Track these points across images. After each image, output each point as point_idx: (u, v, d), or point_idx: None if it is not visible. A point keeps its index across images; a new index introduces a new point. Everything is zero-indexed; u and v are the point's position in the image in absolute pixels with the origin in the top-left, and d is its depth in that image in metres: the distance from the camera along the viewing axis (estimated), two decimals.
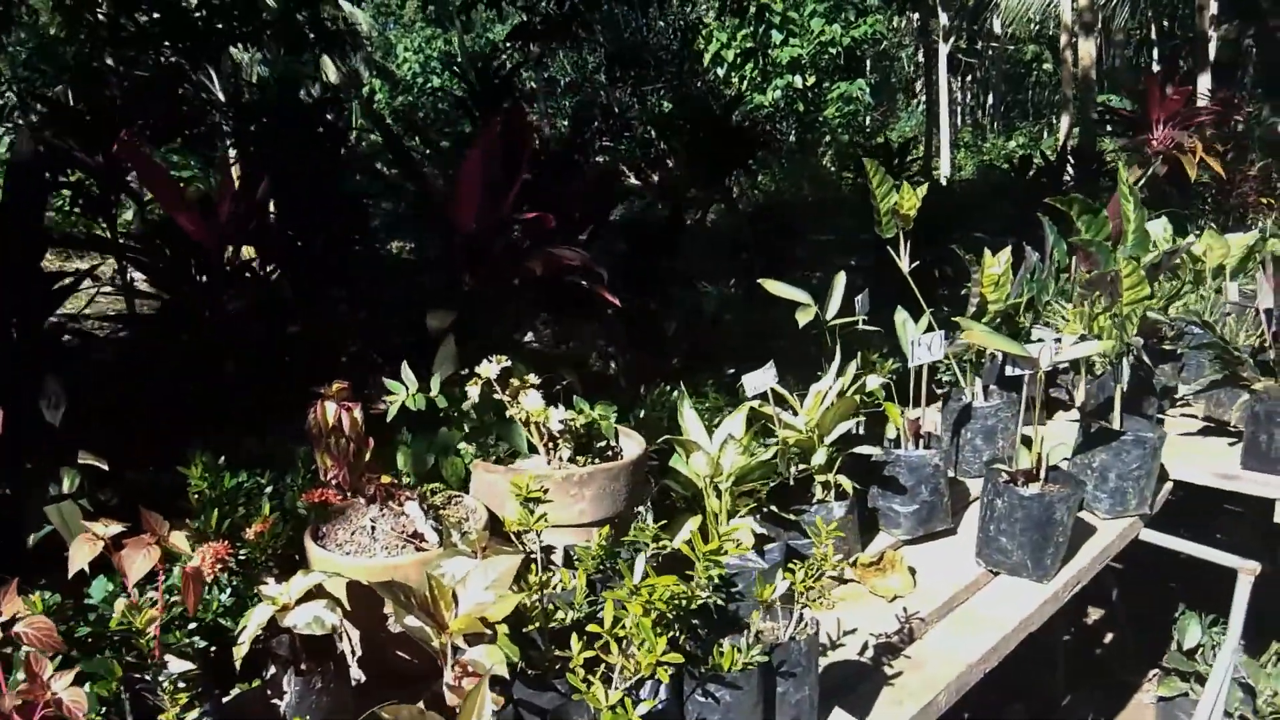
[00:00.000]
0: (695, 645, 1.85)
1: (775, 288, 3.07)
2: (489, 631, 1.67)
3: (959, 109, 26.27)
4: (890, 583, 2.70)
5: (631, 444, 2.42)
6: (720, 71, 18.19)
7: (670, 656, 1.55)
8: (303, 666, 1.79)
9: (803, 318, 2.91)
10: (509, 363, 2.18)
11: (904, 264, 3.25)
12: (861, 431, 3.19)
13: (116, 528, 1.77)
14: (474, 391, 2.17)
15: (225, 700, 1.80)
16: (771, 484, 2.83)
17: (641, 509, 2.34)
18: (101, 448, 2.64)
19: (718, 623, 1.97)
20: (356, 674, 1.96)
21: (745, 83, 18.47)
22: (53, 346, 2.51)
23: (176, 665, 1.79)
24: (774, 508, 2.61)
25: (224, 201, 3.01)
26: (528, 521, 1.79)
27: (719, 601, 1.87)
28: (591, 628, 1.63)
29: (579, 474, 2.12)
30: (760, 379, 2.71)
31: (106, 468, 2.37)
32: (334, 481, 2.05)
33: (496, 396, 2.21)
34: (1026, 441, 2.75)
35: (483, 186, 3.33)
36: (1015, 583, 2.69)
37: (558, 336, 3.71)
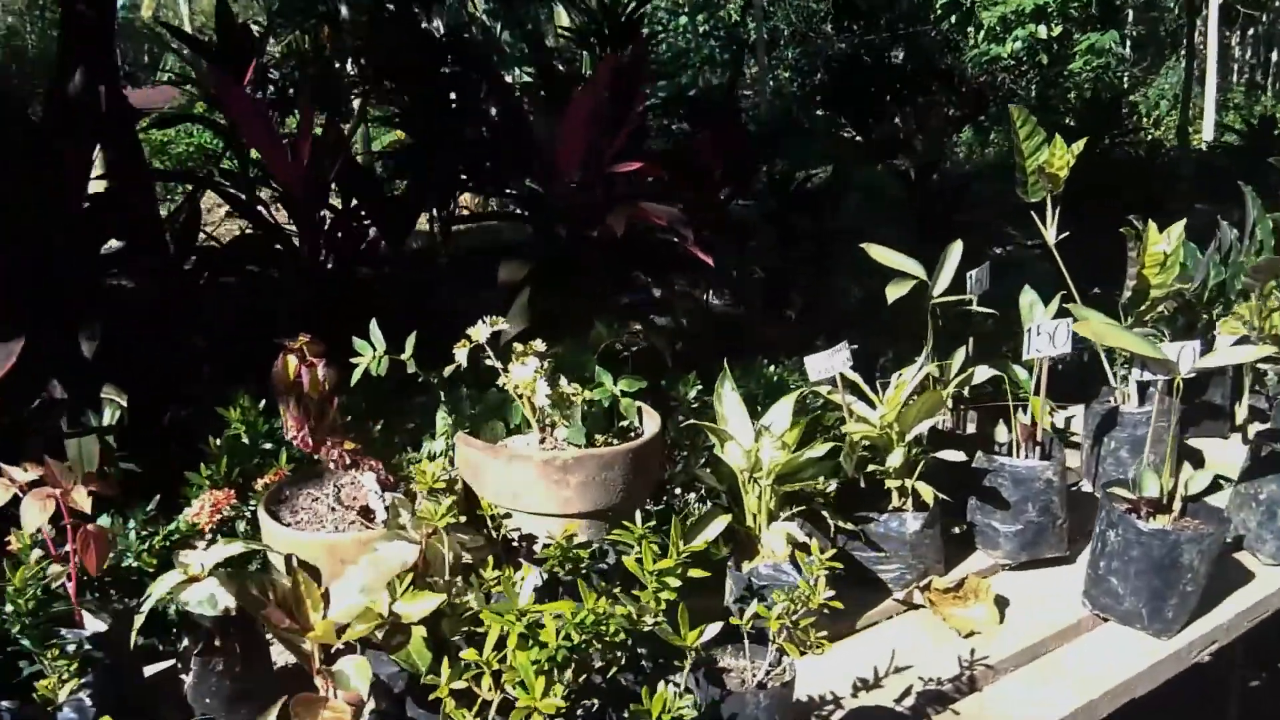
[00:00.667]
0: (636, 680, 1.55)
1: (879, 253, 2.64)
2: (380, 635, 1.45)
3: (1235, 66, 23.34)
4: (970, 614, 2.27)
5: (651, 425, 2.12)
6: (954, 19, 16.95)
7: (546, 703, 1.27)
8: (208, 645, 1.63)
9: (893, 292, 2.48)
10: (505, 325, 1.93)
11: (1049, 234, 2.73)
12: (968, 430, 2.73)
13: (34, 474, 1.66)
14: (461, 355, 1.93)
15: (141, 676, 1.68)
16: (835, 485, 2.46)
17: (652, 502, 2.04)
18: (147, 383, 2.62)
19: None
20: (288, 658, 1.80)
21: (982, 32, 17.13)
22: (92, 280, 2.48)
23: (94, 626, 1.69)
24: (826, 514, 2.24)
25: (304, 143, 2.91)
26: (432, 515, 1.54)
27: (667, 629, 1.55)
28: (467, 654, 1.37)
29: (562, 458, 1.84)
30: (826, 362, 2.32)
31: (124, 402, 2.31)
32: (295, 442, 1.88)
33: (489, 363, 1.96)
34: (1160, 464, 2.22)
35: (588, 132, 3.08)
36: (1126, 634, 2.19)
37: (660, 300, 3.42)
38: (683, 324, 3.18)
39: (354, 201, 3.11)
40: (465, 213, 6.20)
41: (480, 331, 1.90)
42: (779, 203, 4.70)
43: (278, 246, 2.90)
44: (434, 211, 3.70)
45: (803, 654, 1.65)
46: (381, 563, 1.43)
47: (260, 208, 3.19)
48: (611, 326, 3.09)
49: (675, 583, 1.51)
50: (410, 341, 2.02)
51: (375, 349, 2.00)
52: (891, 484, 2.32)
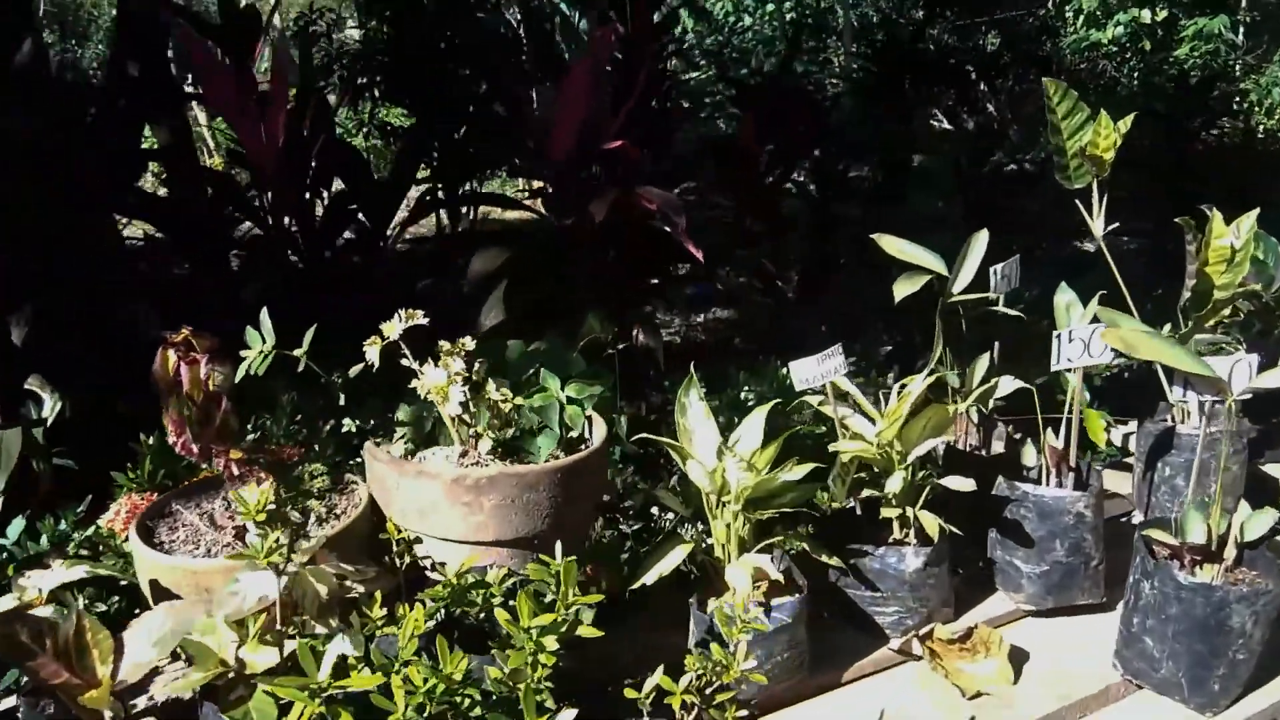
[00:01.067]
0: None
1: (891, 245, 2.31)
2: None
3: None
4: (979, 671, 1.93)
5: (598, 438, 1.84)
6: (1053, 4, 16.13)
7: None
8: (35, 680, 1.41)
9: (903, 289, 2.14)
10: (425, 319, 1.67)
11: (1097, 226, 2.36)
12: (994, 450, 2.37)
13: None
14: (373, 353, 1.67)
15: None
16: (824, 512, 2.14)
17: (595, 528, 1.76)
18: (99, 376, 2.44)
19: None
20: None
21: (1082, 17, 16.27)
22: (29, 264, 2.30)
23: None
24: (807, 547, 1.92)
25: (276, 113, 2.69)
26: (261, 549, 1.28)
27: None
28: None
29: (474, 477, 1.58)
30: (816, 368, 2.00)
31: (46, 396, 2.13)
32: (176, 448, 1.65)
33: (406, 363, 1.70)
34: (1206, 504, 1.85)
35: (584, 109, 2.80)
36: (1162, 706, 1.83)
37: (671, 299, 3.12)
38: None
39: (336, 182, 2.89)
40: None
41: (393, 327, 1.64)
42: (820, 190, 4.35)
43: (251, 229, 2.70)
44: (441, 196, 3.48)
45: None
46: (174, 615, 1.18)
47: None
48: (603, 321, 2.82)
49: (552, 644, 1.23)
50: (308, 337, 1.77)
51: (264, 341, 1.75)
52: (889, 512, 1.99)
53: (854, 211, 4.51)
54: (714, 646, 1.38)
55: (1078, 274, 2.45)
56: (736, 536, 1.87)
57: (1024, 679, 1.93)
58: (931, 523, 1.96)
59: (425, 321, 1.65)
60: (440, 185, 3.38)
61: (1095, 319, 2.11)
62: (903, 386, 2.01)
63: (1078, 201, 2.39)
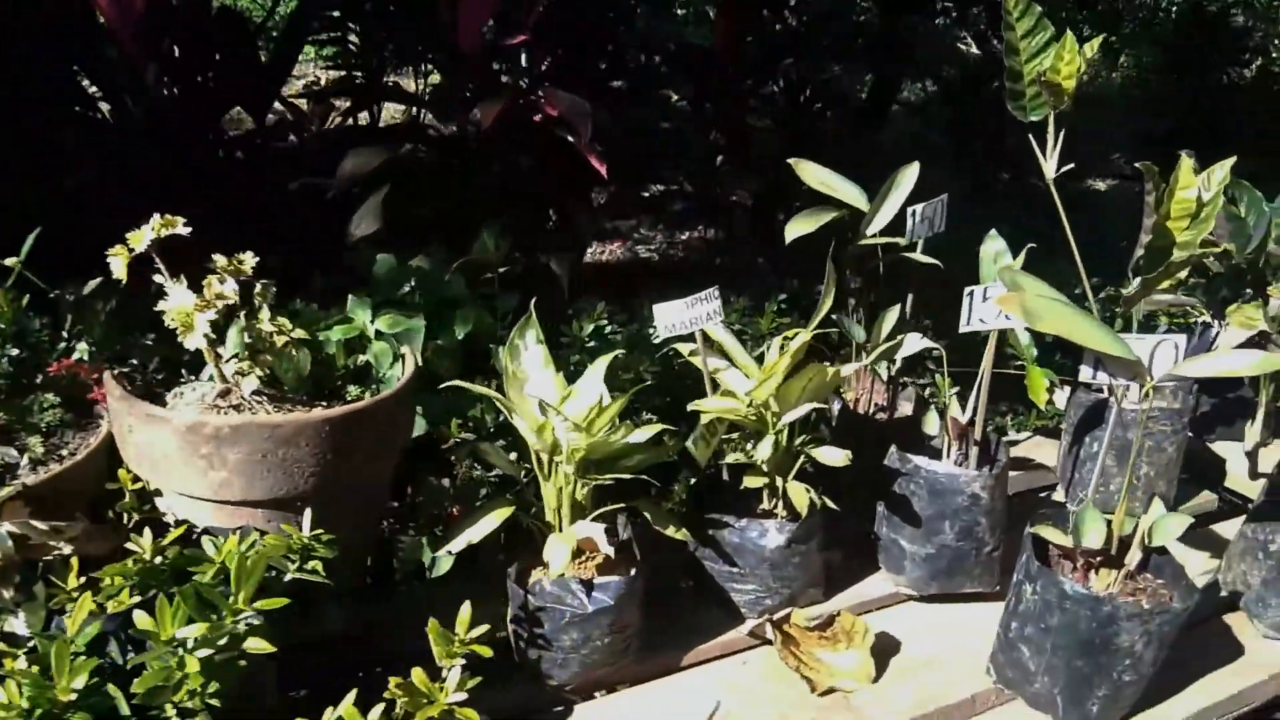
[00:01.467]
0: None
1: (811, 173, 2.01)
2: None
3: None
4: (837, 663, 1.71)
5: (403, 379, 1.58)
6: None
7: None
8: None
9: (796, 229, 1.85)
10: (184, 228, 1.40)
11: (1049, 166, 2.04)
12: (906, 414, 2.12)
13: None
14: (117, 265, 1.40)
15: None
16: (691, 478, 1.91)
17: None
18: None
19: None
20: None
21: None
22: None
23: None
24: (649, 515, 1.69)
25: None
26: None
27: None
28: None
29: (213, 425, 1.33)
30: (681, 313, 1.74)
31: None
32: None
33: (160, 280, 1.43)
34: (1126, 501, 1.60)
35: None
36: None
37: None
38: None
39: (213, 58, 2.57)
40: None
41: (140, 236, 1.38)
42: (790, 105, 4.00)
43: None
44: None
45: None
46: None
47: None
48: (498, 239, 2.54)
49: (194, 665, 0.99)
50: (27, 243, 1.50)
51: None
52: (753, 481, 1.75)
53: (835, 129, 4.16)
54: (416, 673, 1.14)
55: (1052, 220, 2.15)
56: (569, 501, 1.63)
57: (887, 676, 1.71)
58: (800, 495, 1.72)
59: (185, 231, 1.38)
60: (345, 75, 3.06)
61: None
62: (787, 340, 1.74)
63: (1031, 138, 2.07)
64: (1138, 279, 1.97)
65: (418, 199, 2.46)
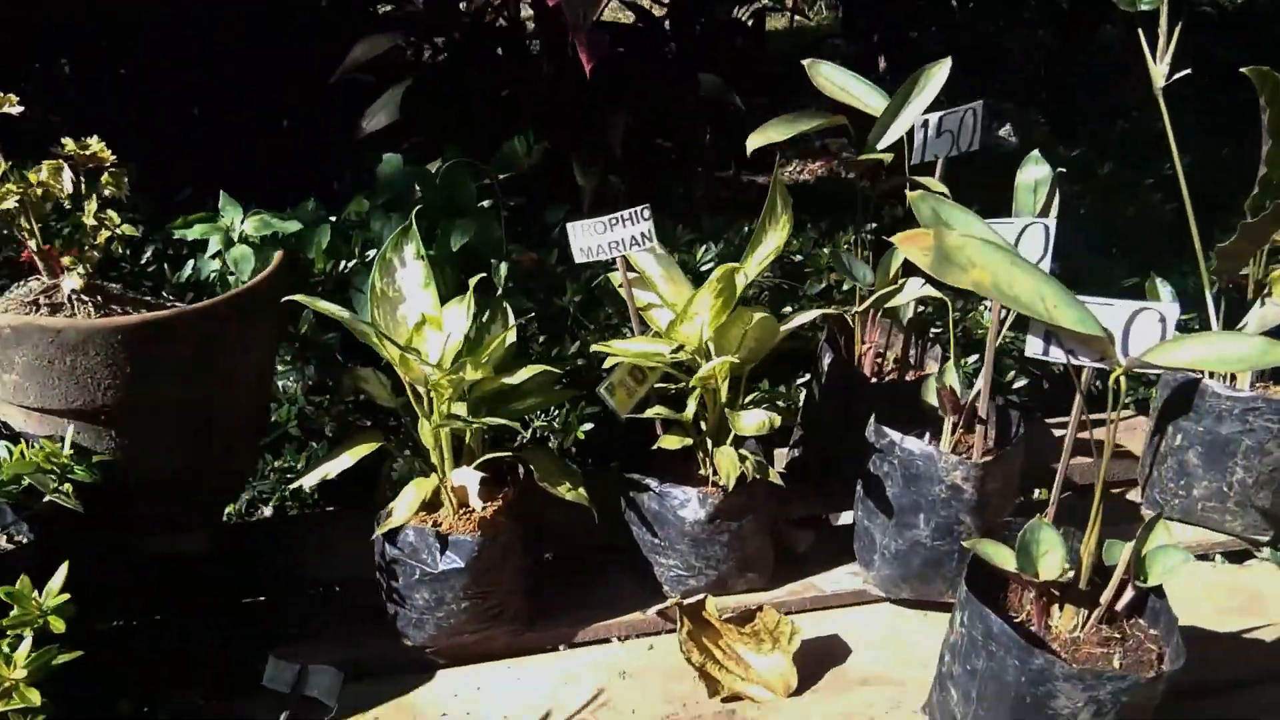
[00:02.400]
0: None
1: (826, 76, 1.64)
2: None
3: None
4: (756, 664, 1.43)
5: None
6: None
7: None
8: None
9: (766, 135, 1.49)
10: (17, 108, 1.29)
11: (1158, 71, 1.56)
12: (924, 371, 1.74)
13: None
14: None
15: None
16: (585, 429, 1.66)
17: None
18: None
19: None
20: None
21: None
22: None
23: None
24: (534, 469, 1.45)
25: None
26: None
27: None
28: None
29: None
30: (597, 235, 1.46)
31: None
32: None
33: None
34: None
35: None
36: None
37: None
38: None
39: None
40: None
41: None
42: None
43: None
44: None
45: None
46: None
47: None
48: (529, 148, 2.32)
49: None
50: None
51: None
52: (671, 442, 1.46)
53: None
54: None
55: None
56: (448, 443, 1.43)
57: (812, 690, 1.41)
58: (727, 464, 1.42)
59: (15, 111, 1.27)
60: None
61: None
62: (722, 269, 1.42)
63: (1140, 33, 1.59)
64: (1244, 229, 1.48)
65: (445, 97, 2.27)
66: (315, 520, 1.72)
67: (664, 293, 1.46)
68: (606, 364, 1.42)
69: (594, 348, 1.43)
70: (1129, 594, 1.17)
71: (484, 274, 1.44)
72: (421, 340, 1.35)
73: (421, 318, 1.33)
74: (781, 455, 1.82)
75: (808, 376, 1.88)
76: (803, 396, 1.79)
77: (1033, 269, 1.03)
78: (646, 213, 1.43)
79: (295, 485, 1.47)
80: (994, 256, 1.02)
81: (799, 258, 2.14)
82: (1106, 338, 1.02)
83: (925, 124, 1.49)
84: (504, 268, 2.05)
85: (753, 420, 1.38)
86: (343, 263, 1.96)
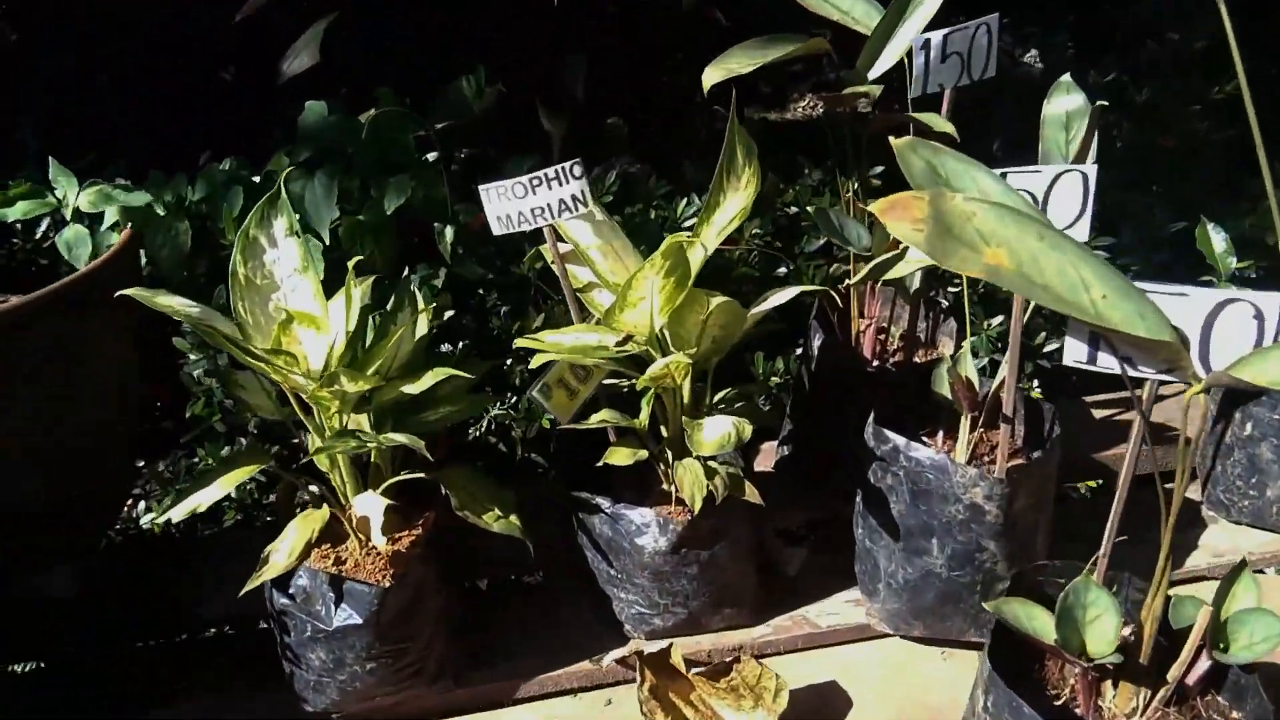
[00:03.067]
0: None
1: None
2: None
3: None
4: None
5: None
6: None
7: None
8: None
9: (726, 67, 1.17)
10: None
11: None
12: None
13: None
14: None
15: None
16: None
17: None
18: None
19: None
20: None
21: None
22: None
23: None
24: (452, 491, 1.17)
25: None
26: None
27: None
28: None
29: None
30: (515, 200, 1.16)
31: None
32: None
33: None
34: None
35: None
36: None
37: None
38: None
39: None
40: None
41: None
42: None
43: None
44: None
45: None
46: None
47: None
48: (479, 89, 2.00)
49: None
50: None
51: None
52: (615, 456, 1.18)
53: None
54: None
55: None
56: (346, 464, 1.16)
57: None
58: (691, 482, 1.14)
59: None
60: None
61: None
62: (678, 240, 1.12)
63: None
64: None
65: (375, 34, 1.96)
66: (213, 543, 1.47)
67: (602, 270, 1.17)
68: (535, 361, 1.13)
69: (518, 342, 1.14)
70: (1204, 664, 0.89)
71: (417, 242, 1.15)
72: (292, 342, 1.07)
73: (287, 315, 1.04)
74: (769, 450, 1.53)
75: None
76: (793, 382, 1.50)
77: (1072, 245, 0.73)
78: (577, 170, 1.13)
79: (163, 518, 1.20)
80: (1016, 229, 0.72)
81: (793, 210, 1.84)
82: (1178, 342, 0.73)
83: (926, 45, 1.16)
84: (450, 232, 1.76)
85: (714, 434, 1.09)
86: None
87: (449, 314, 1.72)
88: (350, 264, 1.09)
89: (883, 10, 1.26)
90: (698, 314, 1.11)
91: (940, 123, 1.16)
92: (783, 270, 1.82)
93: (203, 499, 1.14)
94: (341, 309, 1.11)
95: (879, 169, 1.77)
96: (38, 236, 1.31)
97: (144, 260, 1.55)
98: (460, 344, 1.75)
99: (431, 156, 1.83)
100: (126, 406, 1.25)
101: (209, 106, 2.09)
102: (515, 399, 1.70)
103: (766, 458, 1.53)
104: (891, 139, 0.75)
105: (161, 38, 2.06)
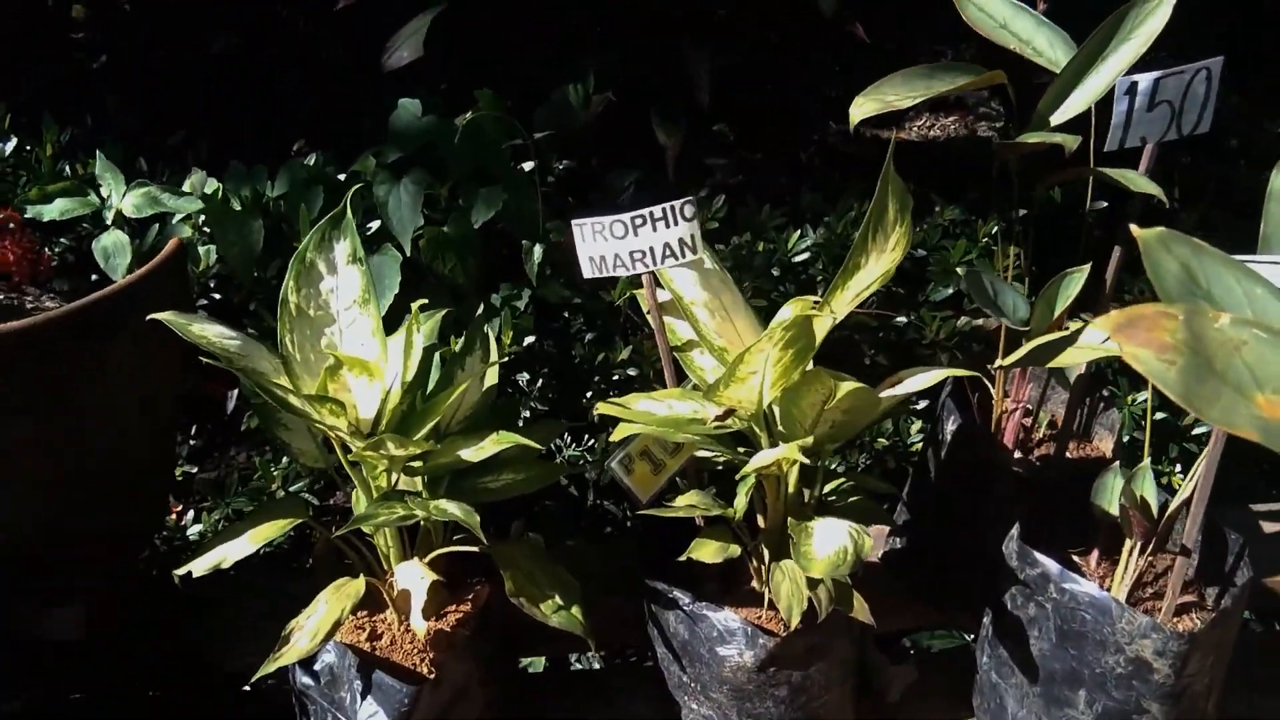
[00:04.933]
0: None
1: (980, 3, 1.11)
2: None
3: None
4: None
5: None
6: None
7: None
8: None
9: (873, 102, 0.97)
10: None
11: None
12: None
13: None
14: None
15: None
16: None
17: None
18: None
19: None
20: None
21: None
22: None
23: None
24: (505, 569, 1.00)
25: None
26: None
27: None
28: None
29: None
30: (612, 240, 0.98)
31: None
32: None
33: None
34: None
35: None
36: None
37: None
38: None
39: None
40: None
41: None
42: None
43: None
44: None
45: None
46: None
47: None
48: (590, 93, 1.86)
49: None
50: None
51: None
52: (700, 552, 0.99)
53: None
54: None
55: None
56: (392, 528, 1.00)
57: None
58: (789, 593, 0.95)
59: None
60: None
61: None
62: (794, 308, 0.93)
63: None
64: None
65: (485, 28, 1.81)
66: (241, 585, 1.33)
67: (707, 330, 0.98)
68: (617, 434, 0.95)
69: (599, 409, 0.97)
70: None
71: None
72: (340, 389, 0.91)
73: (335, 359, 0.88)
74: (878, 535, 1.33)
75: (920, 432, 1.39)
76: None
77: None
78: (689, 210, 0.95)
79: (184, 570, 1.06)
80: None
81: (920, 252, 1.64)
82: None
83: (1132, 90, 0.95)
84: (539, 251, 1.61)
85: (826, 549, 0.90)
86: None
87: (529, 339, 1.57)
88: (415, 305, 0.93)
89: (1069, 41, 1.05)
90: (817, 394, 0.92)
91: (1142, 182, 0.95)
92: (902, 319, 1.62)
93: (229, 554, 1.00)
94: (401, 348, 0.95)
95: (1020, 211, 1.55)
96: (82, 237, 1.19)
97: (214, 258, 1.43)
98: (541, 373, 1.60)
99: (528, 166, 1.68)
100: (153, 432, 1.12)
101: (309, 89, 1.97)
102: (592, 440, 1.54)
103: (876, 544, 1.33)
104: (1136, 229, 0.55)
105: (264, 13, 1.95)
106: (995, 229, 1.57)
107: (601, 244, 0.97)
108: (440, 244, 1.58)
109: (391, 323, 1.54)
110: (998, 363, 1.06)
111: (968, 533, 1.10)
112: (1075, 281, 1.04)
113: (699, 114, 1.76)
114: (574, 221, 0.99)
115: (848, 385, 0.86)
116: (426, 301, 0.99)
